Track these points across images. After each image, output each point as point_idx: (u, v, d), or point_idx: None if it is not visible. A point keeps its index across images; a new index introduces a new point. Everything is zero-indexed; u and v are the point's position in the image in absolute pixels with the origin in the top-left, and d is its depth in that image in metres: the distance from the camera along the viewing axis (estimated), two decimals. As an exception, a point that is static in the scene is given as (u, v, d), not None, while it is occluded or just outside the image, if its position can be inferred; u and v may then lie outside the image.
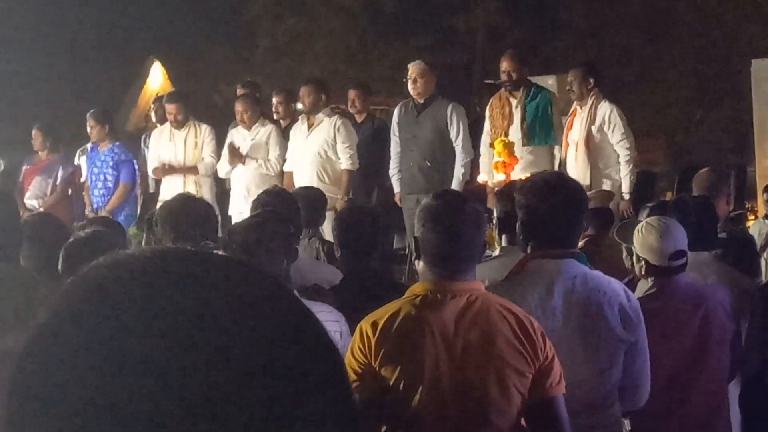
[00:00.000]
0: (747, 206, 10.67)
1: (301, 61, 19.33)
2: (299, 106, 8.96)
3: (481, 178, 8.00)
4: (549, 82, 10.24)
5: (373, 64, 19.62)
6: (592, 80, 7.69)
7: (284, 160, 8.55)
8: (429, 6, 19.12)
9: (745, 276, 4.84)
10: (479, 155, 8.17)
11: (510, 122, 7.95)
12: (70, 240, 4.00)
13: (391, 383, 2.92)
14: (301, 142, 8.44)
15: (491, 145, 7.90)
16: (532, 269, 3.47)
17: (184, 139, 8.89)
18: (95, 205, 9.00)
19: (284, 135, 8.70)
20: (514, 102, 7.99)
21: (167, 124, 9.10)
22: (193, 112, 9.19)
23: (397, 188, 8.36)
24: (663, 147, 18.66)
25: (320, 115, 8.41)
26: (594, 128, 7.61)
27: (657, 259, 4.05)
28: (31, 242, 4.13)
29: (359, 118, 9.02)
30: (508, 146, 7.78)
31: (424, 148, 8.15)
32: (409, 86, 8.25)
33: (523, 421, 3.01)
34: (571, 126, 7.76)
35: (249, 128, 8.68)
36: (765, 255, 7.01)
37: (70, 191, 9.25)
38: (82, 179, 9.34)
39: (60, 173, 9.21)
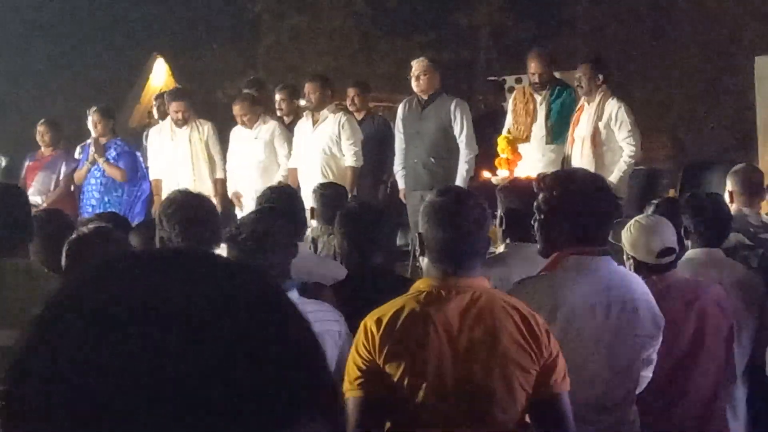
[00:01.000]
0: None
1: (304, 58, 19.29)
2: (302, 102, 8.94)
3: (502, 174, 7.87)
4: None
5: (376, 61, 19.59)
6: (601, 76, 7.60)
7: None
8: (432, 3, 19.09)
9: (757, 273, 4.84)
10: (483, 151, 8.14)
11: (533, 119, 7.91)
12: (73, 236, 3.99)
13: (395, 380, 2.92)
14: (306, 139, 8.44)
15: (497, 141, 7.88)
16: (570, 266, 3.46)
17: (188, 137, 8.86)
18: (85, 200, 8.92)
19: (288, 131, 8.70)
20: (538, 99, 7.94)
21: (166, 122, 9.05)
22: (196, 110, 9.17)
23: (401, 185, 8.35)
24: (665, 144, 18.60)
25: (325, 112, 8.40)
26: (601, 124, 7.53)
27: (645, 257, 4.05)
28: (39, 238, 4.15)
29: (358, 116, 8.98)
30: (512, 143, 7.76)
31: (428, 145, 8.14)
32: (413, 83, 8.24)
33: (527, 418, 3.01)
34: (578, 122, 7.68)
35: (251, 127, 8.67)
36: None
37: (72, 187, 9.24)
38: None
39: (63, 169, 9.20)
